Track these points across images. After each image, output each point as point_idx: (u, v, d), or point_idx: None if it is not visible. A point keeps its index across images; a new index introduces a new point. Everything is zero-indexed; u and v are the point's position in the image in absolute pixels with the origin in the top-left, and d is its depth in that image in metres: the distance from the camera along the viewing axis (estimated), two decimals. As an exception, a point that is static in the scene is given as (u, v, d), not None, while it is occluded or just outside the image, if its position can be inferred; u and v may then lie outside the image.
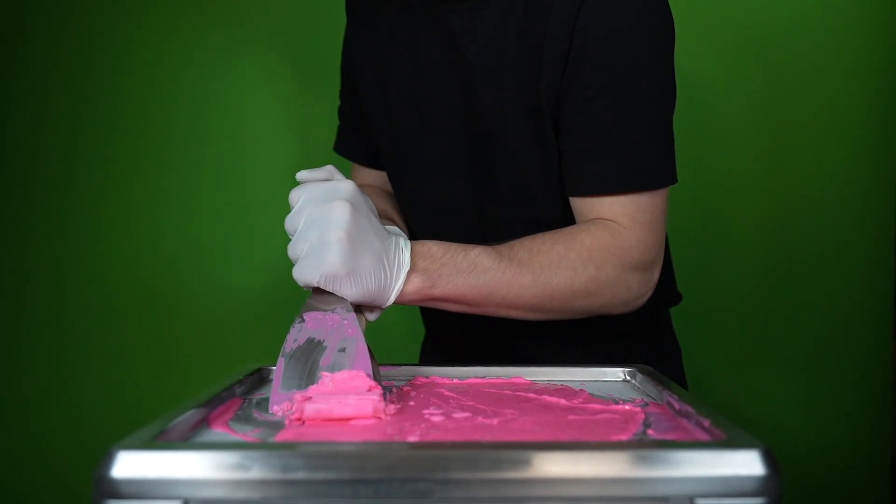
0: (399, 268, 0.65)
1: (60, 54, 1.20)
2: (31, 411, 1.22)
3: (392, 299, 0.65)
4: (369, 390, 0.54)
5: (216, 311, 1.23)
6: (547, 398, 0.60)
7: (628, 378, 0.69)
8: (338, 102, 0.99)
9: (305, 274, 0.61)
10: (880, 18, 1.20)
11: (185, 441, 0.48)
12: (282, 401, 0.55)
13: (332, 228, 0.60)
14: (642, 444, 0.43)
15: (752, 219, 1.24)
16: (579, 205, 0.77)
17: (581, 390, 0.63)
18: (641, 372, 0.67)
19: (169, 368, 1.23)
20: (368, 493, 0.40)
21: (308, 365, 0.57)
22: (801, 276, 1.24)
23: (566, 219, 0.79)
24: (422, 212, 0.90)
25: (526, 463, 0.41)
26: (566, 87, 0.74)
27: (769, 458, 0.42)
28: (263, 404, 0.58)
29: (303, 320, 0.60)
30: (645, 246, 0.74)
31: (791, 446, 1.20)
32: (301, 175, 0.66)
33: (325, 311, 0.60)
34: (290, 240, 0.64)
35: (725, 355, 1.24)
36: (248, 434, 0.50)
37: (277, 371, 0.57)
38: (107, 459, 0.41)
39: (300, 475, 0.40)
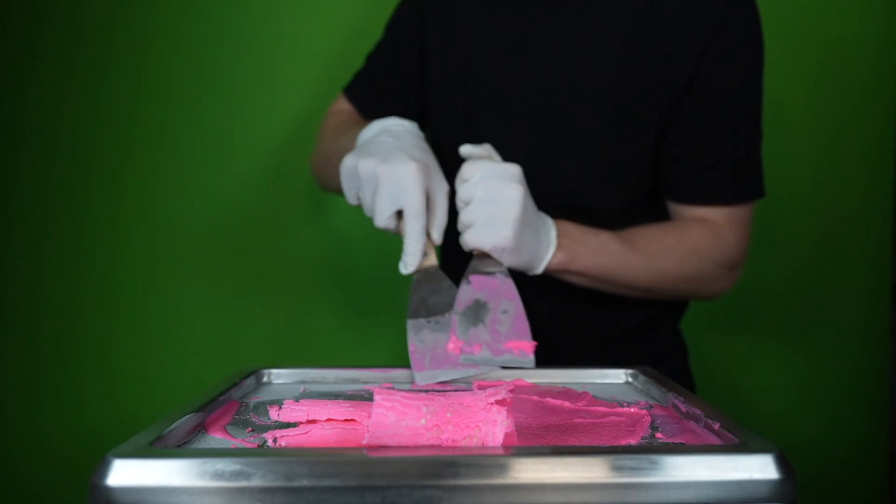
0: (549, 244, 0.74)
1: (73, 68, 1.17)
2: (33, 414, 1.19)
3: (541, 269, 0.74)
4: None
5: (219, 312, 1.21)
6: (551, 401, 0.59)
7: (630, 379, 0.67)
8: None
9: (478, 240, 0.69)
10: (880, 19, 1.20)
11: (182, 447, 0.46)
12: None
13: (509, 207, 0.68)
14: (656, 449, 0.42)
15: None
16: (682, 208, 0.84)
17: (584, 392, 0.62)
18: (644, 373, 0.66)
19: (171, 370, 1.20)
20: (375, 501, 0.39)
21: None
22: (800, 275, 1.24)
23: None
24: None
25: (536, 468, 0.40)
26: (681, 102, 0.79)
27: (783, 462, 0.41)
28: (261, 408, 0.57)
29: (469, 282, 0.68)
30: (739, 246, 0.83)
31: (789, 443, 1.20)
32: (465, 149, 0.73)
33: (488, 274, 0.69)
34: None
35: (725, 354, 1.23)
36: (245, 440, 0.49)
37: (453, 326, 0.66)
38: (102, 467, 0.40)
39: (304, 482, 0.39)
